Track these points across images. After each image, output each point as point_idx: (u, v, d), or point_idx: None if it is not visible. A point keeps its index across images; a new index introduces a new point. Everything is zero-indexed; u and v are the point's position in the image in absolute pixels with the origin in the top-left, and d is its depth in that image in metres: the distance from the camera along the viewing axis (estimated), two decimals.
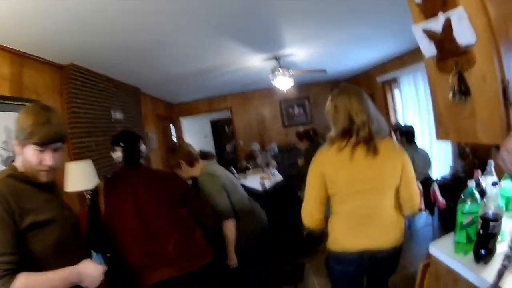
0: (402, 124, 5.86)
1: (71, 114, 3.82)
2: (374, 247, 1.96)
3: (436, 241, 1.80)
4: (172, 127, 9.28)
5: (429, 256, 1.83)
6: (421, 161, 4.32)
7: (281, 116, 9.60)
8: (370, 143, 1.89)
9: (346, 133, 1.94)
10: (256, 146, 7.55)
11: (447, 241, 1.74)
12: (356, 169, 1.89)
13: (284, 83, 5.71)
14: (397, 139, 4.46)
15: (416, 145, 4.55)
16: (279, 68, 5.36)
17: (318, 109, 9.46)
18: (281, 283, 3.88)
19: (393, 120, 7.32)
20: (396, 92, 7.25)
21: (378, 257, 1.98)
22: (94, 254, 1.81)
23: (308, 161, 2.09)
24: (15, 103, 2.94)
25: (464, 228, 1.57)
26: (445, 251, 1.67)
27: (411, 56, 5.99)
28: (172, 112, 9.32)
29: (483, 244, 1.45)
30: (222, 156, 12.63)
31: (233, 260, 2.82)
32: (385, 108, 7.40)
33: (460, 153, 5.09)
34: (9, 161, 1.81)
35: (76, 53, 3.63)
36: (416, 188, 2.01)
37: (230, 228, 2.76)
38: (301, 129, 5.18)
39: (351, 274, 2.08)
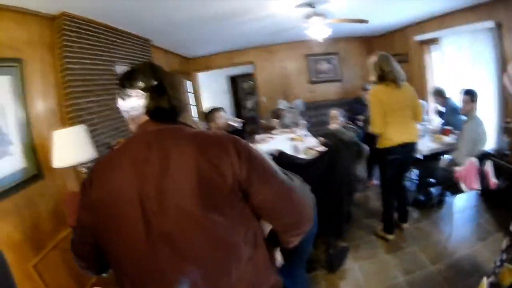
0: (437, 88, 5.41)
1: (65, 72, 3.20)
2: (408, 140, 3.45)
3: None
4: (188, 83, 8.67)
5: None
6: (482, 134, 3.79)
7: (307, 72, 8.81)
8: (397, 82, 3.35)
9: (385, 77, 3.36)
10: (283, 104, 6.84)
11: None
12: (396, 96, 3.37)
13: (319, 32, 5.02)
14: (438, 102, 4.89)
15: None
16: (315, 15, 4.64)
17: (348, 66, 8.72)
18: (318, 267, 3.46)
19: (429, 82, 6.59)
20: (435, 54, 6.45)
21: (409, 147, 3.49)
22: None
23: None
24: None
25: None
26: None
27: (455, 16, 5.43)
28: (188, 66, 8.60)
29: None
30: (240, 114, 12.12)
31: (278, 261, 2.08)
32: (421, 69, 6.66)
33: (505, 129, 4.56)
34: None
35: (69, 0, 2.98)
36: (420, 107, 3.62)
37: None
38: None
39: (396, 161, 3.52)
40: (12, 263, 2.22)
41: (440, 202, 4.33)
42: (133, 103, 1.31)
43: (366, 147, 4.34)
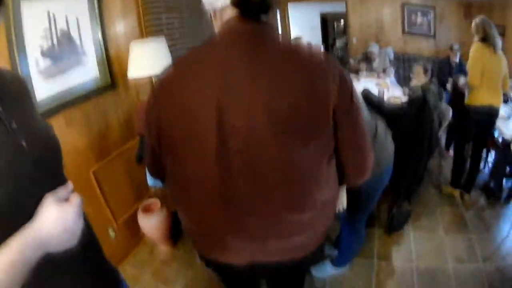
0: None
1: None
2: (494, 104, 3.54)
3: None
4: (278, 12, 8.45)
5: None
6: None
7: (401, 21, 8.15)
8: (496, 47, 3.44)
9: (487, 39, 3.44)
10: (375, 48, 6.47)
11: None
12: (492, 60, 3.47)
13: None
14: None
15: None
16: None
17: (443, 25, 7.92)
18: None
19: None
20: None
21: (493, 111, 3.55)
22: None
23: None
24: None
25: None
26: None
27: None
28: None
29: None
30: (328, 53, 11.83)
31: (343, 203, 1.97)
32: None
33: None
34: None
35: None
36: (508, 77, 3.68)
37: None
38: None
39: (480, 122, 3.58)
40: (72, 167, 2.33)
41: (508, 197, 3.92)
42: None
43: (449, 113, 4.00)
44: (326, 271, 2.79)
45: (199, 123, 1.04)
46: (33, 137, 0.88)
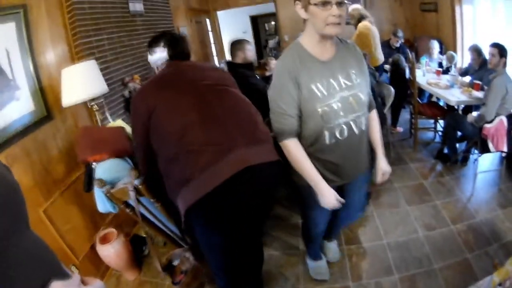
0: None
1: (73, 12, 3.04)
2: None
3: None
4: (208, 21, 8.46)
5: None
6: (511, 92, 3.37)
7: None
8: (372, 21, 4.79)
9: (363, 19, 4.85)
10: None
11: None
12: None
13: None
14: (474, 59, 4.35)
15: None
16: None
17: (374, 9, 7.95)
18: None
19: (458, 37, 6.02)
20: (467, 8, 5.78)
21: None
22: None
23: None
24: None
25: None
26: None
27: None
28: (208, 5, 8.36)
29: None
30: (261, 53, 11.92)
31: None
32: (452, 22, 6.06)
33: None
34: None
35: None
36: None
37: None
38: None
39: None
40: None
41: (464, 159, 4.10)
42: (160, 55, 1.98)
43: (391, 90, 4.09)
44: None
45: (182, 98, 1.79)
46: None
